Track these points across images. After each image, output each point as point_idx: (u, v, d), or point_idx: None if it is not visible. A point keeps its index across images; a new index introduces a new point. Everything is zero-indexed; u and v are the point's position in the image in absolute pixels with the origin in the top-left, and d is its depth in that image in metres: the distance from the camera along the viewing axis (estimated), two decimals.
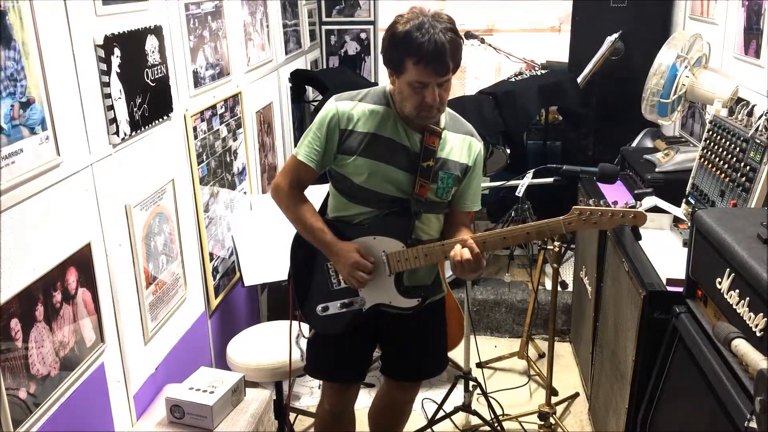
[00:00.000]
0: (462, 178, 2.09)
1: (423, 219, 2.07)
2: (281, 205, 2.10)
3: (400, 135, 2.01)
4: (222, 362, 2.80)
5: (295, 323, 2.25)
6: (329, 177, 2.12)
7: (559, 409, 3.07)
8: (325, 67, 4.91)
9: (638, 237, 2.06)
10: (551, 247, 2.75)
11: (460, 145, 2.08)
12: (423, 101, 1.89)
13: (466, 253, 1.91)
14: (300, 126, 4.30)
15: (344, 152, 2.01)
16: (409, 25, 1.85)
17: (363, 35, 4.84)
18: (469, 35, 4.34)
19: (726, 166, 2.30)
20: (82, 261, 1.92)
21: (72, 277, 1.86)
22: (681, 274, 1.96)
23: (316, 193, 2.20)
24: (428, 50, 1.82)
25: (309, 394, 3.25)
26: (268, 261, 2.84)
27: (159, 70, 2.35)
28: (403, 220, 2.03)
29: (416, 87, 1.88)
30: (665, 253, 2.35)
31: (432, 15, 1.87)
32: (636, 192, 2.78)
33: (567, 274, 3.85)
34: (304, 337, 2.26)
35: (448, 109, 2.06)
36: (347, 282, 2.08)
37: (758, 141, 2.13)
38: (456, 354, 3.20)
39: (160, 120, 2.38)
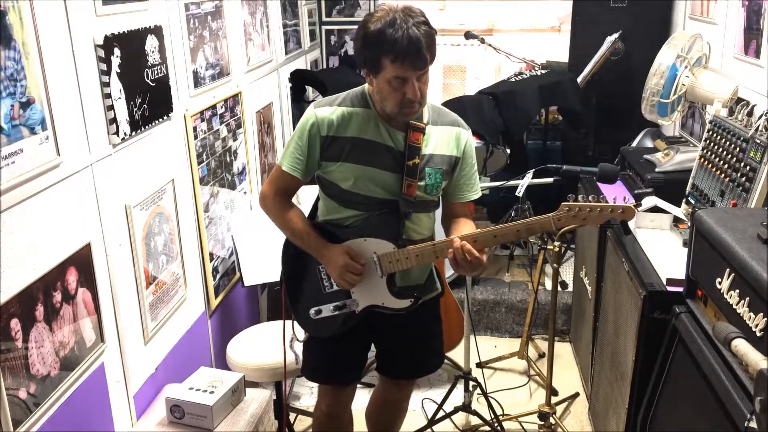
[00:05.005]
0: (452, 170, 2.07)
1: (413, 219, 2.06)
2: (269, 214, 2.11)
3: (383, 136, 2.00)
4: (222, 362, 2.80)
5: (288, 326, 2.25)
6: (317, 182, 2.12)
7: (559, 409, 3.06)
8: (325, 67, 4.91)
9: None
10: (551, 247, 2.74)
11: (446, 137, 2.06)
12: (404, 97, 1.89)
13: (466, 254, 1.89)
14: None
15: (328, 159, 2.00)
16: (381, 23, 1.84)
17: None
18: (469, 35, 4.34)
19: (726, 166, 2.30)
20: (82, 261, 1.92)
21: (72, 277, 1.86)
22: (681, 274, 1.96)
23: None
24: (404, 46, 1.81)
25: (309, 394, 3.24)
26: (268, 261, 2.84)
27: (159, 70, 2.35)
28: (393, 221, 2.02)
29: (395, 84, 1.87)
30: (665, 253, 2.34)
31: (402, 10, 1.86)
32: (636, 192, 2.78)
33: (567, 274, 3.85)
34: (297, 340, 2.26)
35: (431, 103, 2.05)
36: (338, 284, 2.07)
37: (758, 141, 2.12)
38: (456, 354, 3.21)
39: (160, 120, 2.38)
